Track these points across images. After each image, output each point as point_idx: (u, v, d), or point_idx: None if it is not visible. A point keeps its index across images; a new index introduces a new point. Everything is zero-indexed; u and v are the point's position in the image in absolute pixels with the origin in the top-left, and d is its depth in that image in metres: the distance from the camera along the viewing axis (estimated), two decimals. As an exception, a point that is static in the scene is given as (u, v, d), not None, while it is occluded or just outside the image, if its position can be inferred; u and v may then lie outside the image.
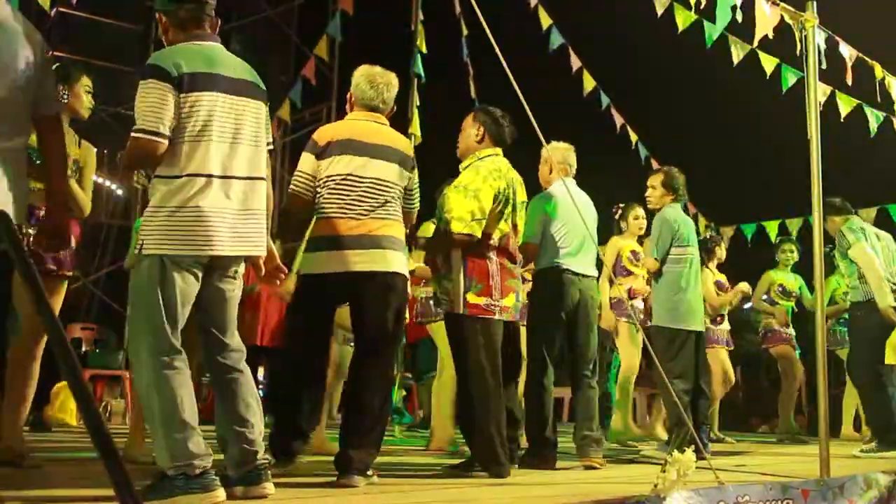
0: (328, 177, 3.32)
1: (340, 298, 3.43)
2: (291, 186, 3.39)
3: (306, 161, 3.38)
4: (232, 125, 2.66)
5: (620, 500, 2.79)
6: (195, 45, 2.69)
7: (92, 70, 3.77)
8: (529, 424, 4.22)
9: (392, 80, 3.54)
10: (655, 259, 4.93)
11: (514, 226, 3.92)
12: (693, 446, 3.05)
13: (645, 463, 4.57)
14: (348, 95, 3.59)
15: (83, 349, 8.16)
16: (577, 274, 4.31)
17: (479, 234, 3.72)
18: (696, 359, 4.90)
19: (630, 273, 6.17)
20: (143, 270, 2.55)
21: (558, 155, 4.53)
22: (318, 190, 3.35)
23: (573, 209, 4.21)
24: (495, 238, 3.78)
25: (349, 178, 3.31)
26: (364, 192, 3.32)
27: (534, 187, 5.12)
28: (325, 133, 3.41)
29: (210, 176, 2.58)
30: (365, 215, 3.30)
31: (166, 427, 2.46)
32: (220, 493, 2.48)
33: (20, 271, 1.46)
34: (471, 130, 3.97)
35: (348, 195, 3.30)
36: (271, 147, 2.92)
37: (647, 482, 2.85)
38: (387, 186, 3.38)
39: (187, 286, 2.57)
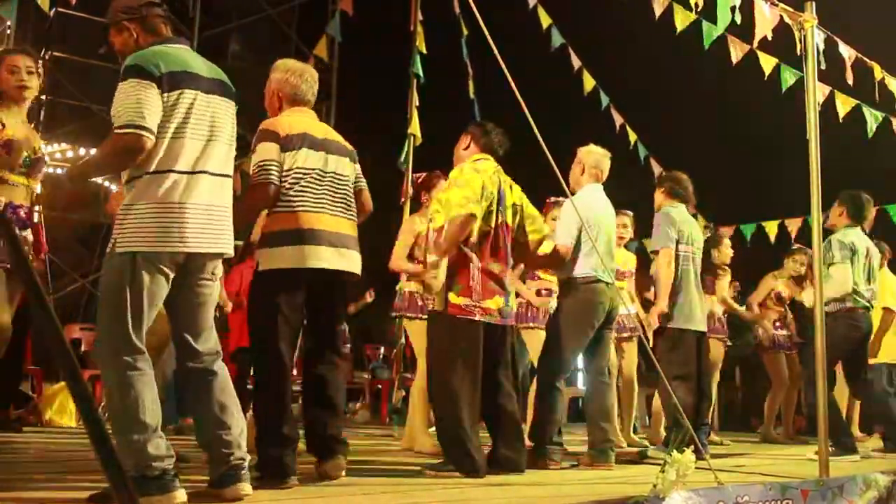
0: (292, 169, 3.24)
1: (307, 294, 3.30)
2: (267, 176, 3.17)
3: (273, 150, 3.21)
4: (207, 123, 2.67)
5: (620, 500, 2.80)
6: (168, 48, 2.69)
7: (91, 70, 3.73)
8: (539, 425, 4.22)
9: (315, 74, 3.51)
10: (668, 248, 4.81)
11: (507, 225, 3.92)
12: (692, 446, 3.05)
13: (644, 463, 4.57)
14: (272, 91, 3.44)
15: (82, 349, 8.15)
16: (607, 283, 4.30)
17: (478, 214, 3.75)
18: (699, 359, 4.89)
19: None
20: (114, 268, 2.53)
21: (592, 159, 4.53)
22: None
23: (602, 217, 4.31)
24: (475, 237, 3.77)
25: (314, 172, 3.28)
26: (328, 187, 3.32)
27: (536, 186, 5.12)
28: (279, 125, 3.29)
29: (182, 172, 2.57)
30: (332, 212, 3.31)
31: (125, 428, 2.45)
32: (179, 494, 2.44)
33: (18, 271, 1.46)
34: (460, 143, 4.08)
35: (316, 190, 3.28)
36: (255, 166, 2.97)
37: (647, 482, 2.85)
38: (344, 181, 3.40)
39: (156, 287, 2.54)
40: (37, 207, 3.62)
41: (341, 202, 3.36)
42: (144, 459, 2.42)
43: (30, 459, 3.70)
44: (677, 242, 4.87)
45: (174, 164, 2.56)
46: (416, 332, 4.92)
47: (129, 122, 2.49)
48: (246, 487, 2.63)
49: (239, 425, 2.68)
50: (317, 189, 3.28)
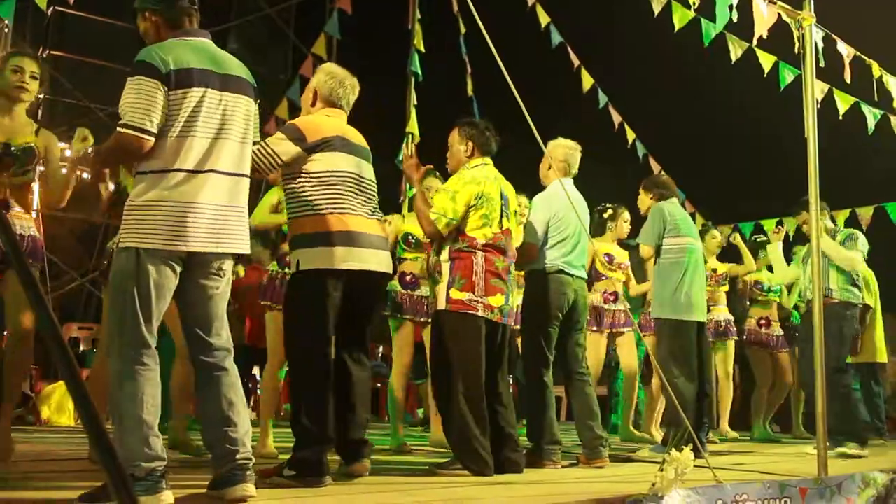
0: (329, 172, 3.28)
1: (345, 295, 3.31)
2: (263, 160, 3.14)
3: (288, 150, 3.22)
4: (218, 121, 2.65)
5: (619, 499, 2.80)
6: (185, 41, 2.68)
7: (89, 69, 3.75)
8: (535, 424, 4.22)
9: (357, 84, 3.55)
10: (650, 246, 4.95)
11: (508, 231, 3.92)
12: (691, 444, 3.05)
13: (643, 462, 4.57)
14: (311, 88, 3.51)
15: (80, 349, 8.15)
16: (572, 275, 4.33)
17: (442, 230, 3.75)
18: (700, 351, 4.89)
19: (602, 276, 6.05)
20: (120, 263, 2.55)
21: (560, 153, 4.50)
22: (309, 183, 3.27)
23: (570, 210, 4.25)
24: (480, 240, 3.78)
25: (350, 175, 3.33)
26: (363, 190, 3.38)
27: (534, 183, 5.13)
28: (314, 127, 3.33)
29: (189, 171, 2.57)
30: (371, 215, 3.38)
31: (124, 424, 2.45)
32: (166, 495, 2.42)
33: (17, 270, 1.45)
34: (459, 146, 4.01)
35: (351, 193, 3.32)
36: (257, 146, 2.94)
37: (646, 481, 2.85)
38: (373, 185, 3.46)
39: (163, 279, 2.54)
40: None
41: (374, 205, 3.44)
42: (134, 458, 2.39)
43: (28, 459, 3.70)
44: (672, 235, 4.91)
45: (180, 162, 2.56)
46: (394, 330, 5.11)
47: (130, 123, 2.51)
48: (250, 488, 2.58)
49: (245, 425, 2.66)
50: (352, 192, 3.32)
